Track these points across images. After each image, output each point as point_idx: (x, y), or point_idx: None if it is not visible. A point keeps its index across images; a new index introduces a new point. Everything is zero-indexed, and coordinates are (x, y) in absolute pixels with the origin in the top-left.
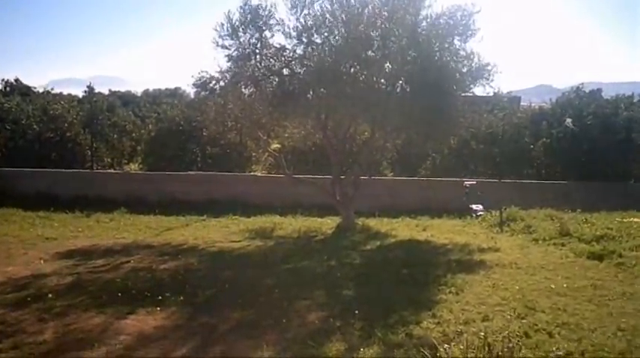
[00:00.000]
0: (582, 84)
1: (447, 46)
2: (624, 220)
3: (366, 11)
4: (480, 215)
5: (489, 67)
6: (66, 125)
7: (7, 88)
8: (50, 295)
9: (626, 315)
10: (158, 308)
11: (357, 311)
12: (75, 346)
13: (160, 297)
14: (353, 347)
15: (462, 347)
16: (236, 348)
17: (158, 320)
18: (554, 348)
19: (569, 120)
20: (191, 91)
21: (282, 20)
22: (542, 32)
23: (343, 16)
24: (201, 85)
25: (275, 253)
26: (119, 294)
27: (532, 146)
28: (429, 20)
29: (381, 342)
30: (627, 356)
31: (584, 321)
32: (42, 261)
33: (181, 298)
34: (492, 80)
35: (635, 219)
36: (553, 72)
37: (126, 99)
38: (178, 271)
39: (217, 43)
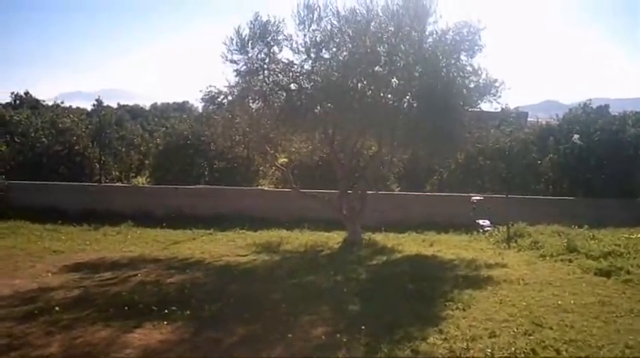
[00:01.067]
0: (590, 100)
1: (453, 61)
2: (632, 236)
3: (372, 26)
4: (487, 230)
5: (497, 83)
6: (74, 138)
7: (17, 101)
8: (57, 308)
9: (633, 332)
10: (164, 322)
11: (363, 327)
12: None
13: (166, 311)
14: None
15: None
16: None
17: (164, 334)
18: None
19: (576, 136)
20: (199, 106)
21: (291, 36)
22: (549, 48)
23: (350, 31)
24: (210, 99)
25: (281, 267)
26: (126, 308)
27: (539, 162)
28: (435, 36)
29: None
30: None
31: (592, 338)
32: (49, 274)
33: (187, 312)
34: (499, 96)
35: None
36: (560, 88)
37: (134, 112)
38: (185, 285)
39: (226, 57)
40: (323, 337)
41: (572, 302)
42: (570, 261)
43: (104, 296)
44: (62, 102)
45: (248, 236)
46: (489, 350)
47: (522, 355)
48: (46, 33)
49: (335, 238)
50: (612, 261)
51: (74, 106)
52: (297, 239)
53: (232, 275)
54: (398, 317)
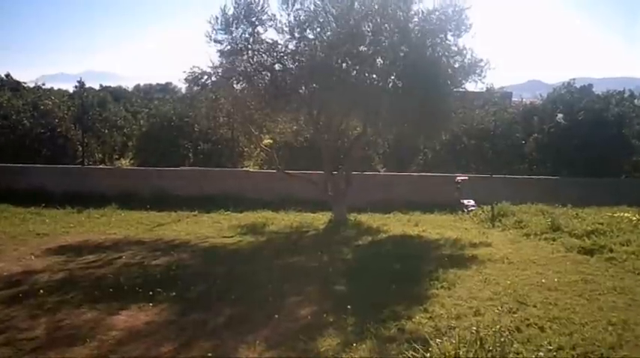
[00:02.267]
0: (573, 79)
1: (438, 41)
2: (615, 215)
3: (356, 5)
4: (472, 210)
5: (481, 63)
6: (57, 120)
7: None
8: (42, 291)
9: (616, 310)
10: (150, 304)
11: (349, 306)
12: (66, 342)
13: (151, 293)
14: (345, 342)
15: (453, 341)
16: (227, 344)
17: (150, 315)
18: (545, 342)
19: (560, 115)
20: (183, 87)
21: (275, 16)
22: (533, 28)
23: (334, 10)
24: (193, 80)
25: (267, 248)
26: (110, 290)
27: (523, 141)
28: (420, 16)
29: (373, 337)
30: (618, 350)
31: (575, 316)
32: (33, 257)
33: (173, 294)
34: (484, 76)
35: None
36: (544, 67)
37: (117, 94)
38: (170, 267)
39: (211, 37)
40: (309, 317)
41: (555, 280)
42: (554, 239)
43: (89, 279)
44: (44, 84)
45: (233, 217)
46: (474, 328)
47: (507, 332)
48: (27, 14)
49: (320, 219)
50: (595, 240)
51: (56, 88)
52: (283, 220)
53: (218, 257)
54: (384, 297)
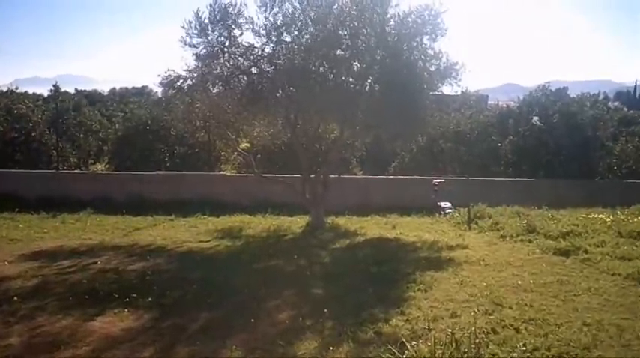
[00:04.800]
0: (549, 82)
1: (415, 45)
2: (590, 216)
3: (334, 9)
4: (449, 212)
5: (457, 66)
6: (30, 125)
7: None
8: (16, 298)
9: (591, 310)
10: (126, 310)
11: (326, 310)
12: (42, 349)
13: (127, 299)
14: (323, 346)
15: (429, 343)
16: (205, 349)
17: (126, 321)
18: (520, 344)
19: (535, 118)
20: (158, 90)
21: (252, 19)
22: (509, 31)
23: (312, 14)
24: (169, 83)
25: (244, 253)
26: (86, 296)
27: (499, 144)
28: (397, 19)
29: (350, 340)
30: (592, 350)
31: (551, 317)
32: (6, 263)
33: (149, 299)
34: (460, 79)
35: (600, 216)
36: (520, 71)
37: (92, 98)
38: (146, 272)
39: (185, 41)
40: (287, 321)
41: (531, 281)
42: (530, 241)
43: (64, 285)
44: (17, 88)
45: (210, 221)
46: (450, 330)
47: (482, 334)
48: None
49: (298, 222)
50: (571, 241)
51: (31, 92)
52: (260, 224)
53: (194, 262)
54: (361, 300)
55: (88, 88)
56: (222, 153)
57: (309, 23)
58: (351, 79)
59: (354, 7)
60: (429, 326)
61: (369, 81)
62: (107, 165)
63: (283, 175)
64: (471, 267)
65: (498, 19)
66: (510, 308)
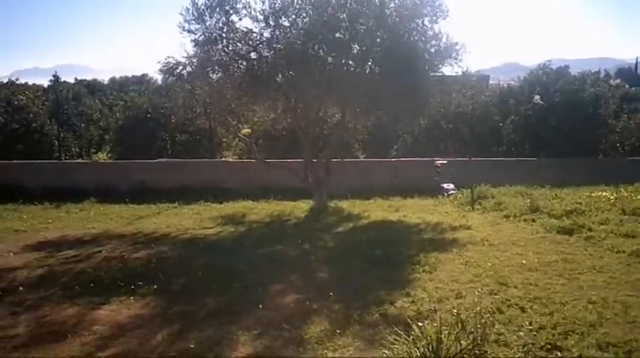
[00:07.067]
0: (549, 61)
1: (415, 26)
2: (593, 194)
3: None
4: (452, 194)
5: (457, 47)
6: (31, 115)
7: None
8: (21, 288)
9: (596, 288)
10: (132, 298)
11: (331, 294)
12: (49, 338)
13: (133, 287)
14: (329, 329)
15: (435, 324)
16: (212, 334)
17: (132, 309)
18: (526, 323)
19: (537, 97)
20: (158, 78)
21: (249, 3)
22: (509, 10)
23: None
24: (168, 70)
25: (248, 238)
26: (91, 285)
27: (501, 124)
28: (396, 1)
29: (356, 323)
30: (598, 327)
31: (556, 295)
32: (12, 254)
33: (155, 287)
34: (461, 59)
35: (604, 193)
36: (520, 50)
37: (92, 87)
38: (151, 260)
39: (183, 27)
40: (292, 305)
41: (535, 260)
42: (533, 220)
43: (69, 274)
44: (17, 80)
45: (213, 208)
46: (455, 311)
47: (488, 314)
48: None
49: (301, 207)
50: (574, 219)
51: (30, 83)
52: (263, 209)
53: (199, 248)
54: (366, 283)
55: (88, 77)
56: (224, 140)
57: (308, 6)
58: (351, 62)
59: None
60: (434, 307)
61: (369, 63)
62: (109, 154)
63: (285, 160)
64: (475, 248)
65: None
66: (515, 287)
